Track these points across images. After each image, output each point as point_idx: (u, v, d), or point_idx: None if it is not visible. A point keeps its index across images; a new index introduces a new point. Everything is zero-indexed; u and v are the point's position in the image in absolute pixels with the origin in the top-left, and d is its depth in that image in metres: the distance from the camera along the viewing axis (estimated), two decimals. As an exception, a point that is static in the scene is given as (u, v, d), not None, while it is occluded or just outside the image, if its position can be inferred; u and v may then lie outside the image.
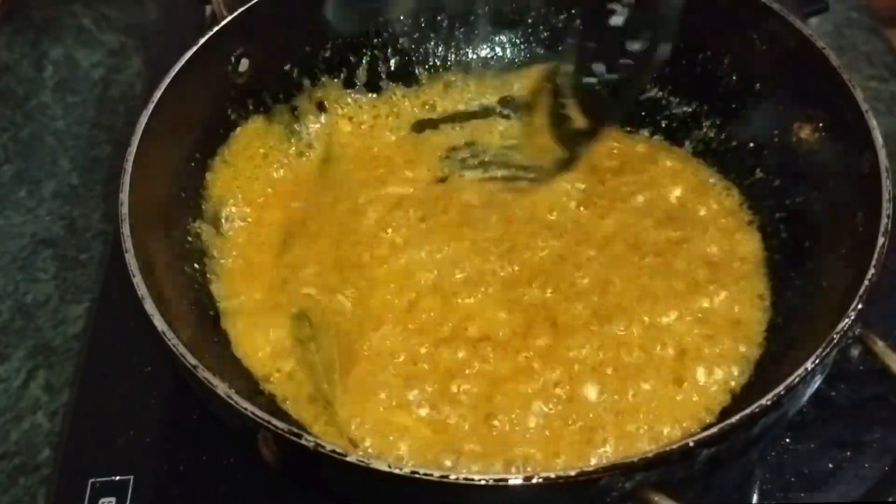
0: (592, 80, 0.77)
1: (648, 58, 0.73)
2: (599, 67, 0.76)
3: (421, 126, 0.90)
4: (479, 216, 0.81)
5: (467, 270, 0.77)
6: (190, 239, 0.76)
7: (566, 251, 0.78)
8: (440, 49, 0.92)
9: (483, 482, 0.52)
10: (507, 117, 0.91)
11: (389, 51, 0.90)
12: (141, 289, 0.61)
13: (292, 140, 0.87)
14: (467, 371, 0.70)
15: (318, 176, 0.86)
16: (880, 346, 0.61)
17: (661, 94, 0.87)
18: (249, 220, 0.81)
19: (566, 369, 0.70)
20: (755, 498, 0.68)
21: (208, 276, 0.75)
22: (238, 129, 0.83)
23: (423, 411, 0.68)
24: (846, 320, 0.58)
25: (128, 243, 0.64)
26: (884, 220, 0.62)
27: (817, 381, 0.61)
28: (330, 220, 0.82)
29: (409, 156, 0.88)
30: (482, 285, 0.76)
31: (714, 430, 0.54)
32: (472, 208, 0.82)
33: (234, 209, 0.81)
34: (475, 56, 0.93)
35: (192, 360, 0.58)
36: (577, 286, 0.75)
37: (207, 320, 0.72)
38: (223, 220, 0.80)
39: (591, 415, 0.67)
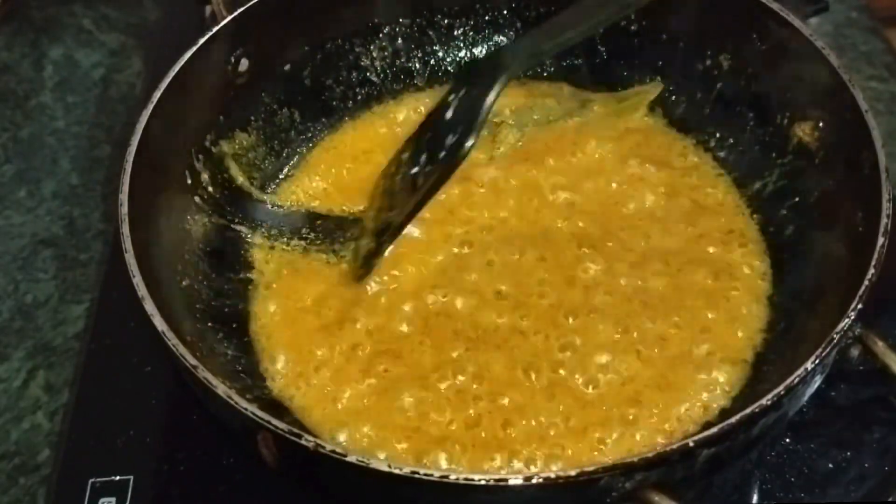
0: None
1: None
2: None
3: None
4: None
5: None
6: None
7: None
8: (439, 51, 0.92)
9: (483, 482, 0.52)
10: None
11: (388, 52, 0.90)
12: (141, 289, 0.61)
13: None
14: None
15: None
16: (880, 346, 0.61)
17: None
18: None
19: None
20: (755, 498, 0.68)
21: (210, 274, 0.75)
22: (238, 129, 0.83)
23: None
24: (846, 320, 0.58)
25: (128, 243, 0.63)
26: (884, 220, 0.62)
27: (817, 381, 0.61)
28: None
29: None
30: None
31: (714, 430, 0.54)
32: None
33: None
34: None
35: (192, 361, 0.58)
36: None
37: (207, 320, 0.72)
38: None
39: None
